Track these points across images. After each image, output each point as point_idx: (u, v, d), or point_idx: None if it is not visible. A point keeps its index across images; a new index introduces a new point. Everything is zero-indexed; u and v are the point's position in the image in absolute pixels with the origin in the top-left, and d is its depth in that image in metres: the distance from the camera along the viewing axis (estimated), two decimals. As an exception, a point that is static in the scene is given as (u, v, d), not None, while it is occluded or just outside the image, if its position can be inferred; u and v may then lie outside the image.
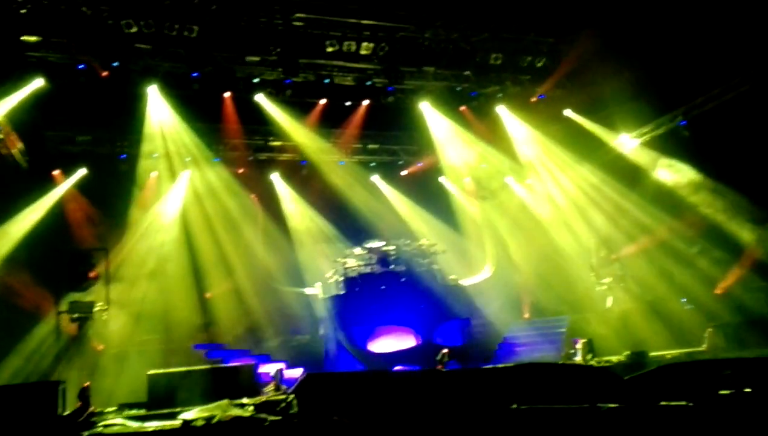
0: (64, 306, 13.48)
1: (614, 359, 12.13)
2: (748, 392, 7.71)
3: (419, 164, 20.04)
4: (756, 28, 12.89)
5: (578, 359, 12.64)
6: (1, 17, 12.91)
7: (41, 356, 12.72)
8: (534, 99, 18.50)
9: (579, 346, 12.78)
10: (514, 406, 7.60)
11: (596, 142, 17.61)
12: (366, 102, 17.90)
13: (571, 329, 14.84)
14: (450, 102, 18.38)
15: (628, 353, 12.22)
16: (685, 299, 15.17)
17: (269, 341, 14.81)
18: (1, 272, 13.02)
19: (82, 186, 15.97)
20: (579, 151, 17.92)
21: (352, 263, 15.17)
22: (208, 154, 17.64)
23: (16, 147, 14.02)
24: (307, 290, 15.19)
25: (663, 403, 7.30)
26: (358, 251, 15.31)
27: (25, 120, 14.12)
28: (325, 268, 16.36)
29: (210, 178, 17.39)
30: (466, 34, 16.54)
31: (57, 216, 15.03)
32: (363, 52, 15.93)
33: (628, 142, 17.33)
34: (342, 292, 14.82)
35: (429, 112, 18.31)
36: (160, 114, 16.14)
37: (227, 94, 16.69)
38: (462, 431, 7.05)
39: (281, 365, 11.54)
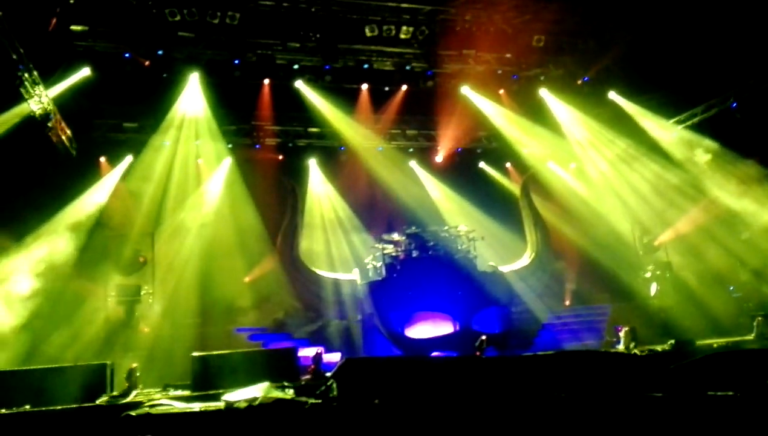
0: (111, 290, 13.87)
1: (659, 347, 11.83)
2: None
3: (458, 150, 19.83)
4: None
5: (621, 347, 12.40)
6: (50, 6, 13.25)
7: (90, 339, 13.12)
8: (579, 82, 18.11)
9: (622, 334, 12.53)
10: (556, 394, 7.53)
11: (642, 126, 17.12)
12: (405, 87, 17.81)
13: (614, 317, 14.56)
14: (490, 86, 18.16)
15: (672, 341, 11.92)
16: (732, 287, 14.73)
17: (308, 326, 14.97)
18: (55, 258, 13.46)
19: (127, 172, 16.32)
20: (624, 136, 17.46)
21: (390, 248, 15.17)
22: (247, 141, 17.84)
23: (66, 134, 14.42)
24: (346, 276, 15.26)
25: (710, 393, 7.15)
26: (396, 236, 15.30)
27: (74, 108, 14.52)
28: (363, 253, 16.41)
29: (250, 164, 17.57)
30: (507, 16, 16.26)
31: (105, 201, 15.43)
32: (402, 36, 15.87)
33: (677, 126, 16.83)
34: (380, 277, 14.86)
35: (470, 97, 18.10)
36: (196, 101, 16.29)
37: (266, 81, 16.83)
38: (501, 418, 7.01)
39: (320, 349, 11.66)
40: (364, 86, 17.65)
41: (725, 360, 9.00)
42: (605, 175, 17.82)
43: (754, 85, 14.98)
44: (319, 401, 8.18)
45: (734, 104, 15.56)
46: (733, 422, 6.64)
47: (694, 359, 8.97)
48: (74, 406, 8.38)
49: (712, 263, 15.04)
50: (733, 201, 14.81)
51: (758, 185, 14.24)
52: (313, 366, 10.92)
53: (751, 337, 12.38)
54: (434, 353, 13.35)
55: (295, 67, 16.71)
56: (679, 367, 8.63)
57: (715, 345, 11.78)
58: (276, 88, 17.14)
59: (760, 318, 12.62)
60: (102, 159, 16.20)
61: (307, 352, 12.17)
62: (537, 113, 18.31)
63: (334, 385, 8.55)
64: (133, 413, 7.71)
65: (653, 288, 15.57)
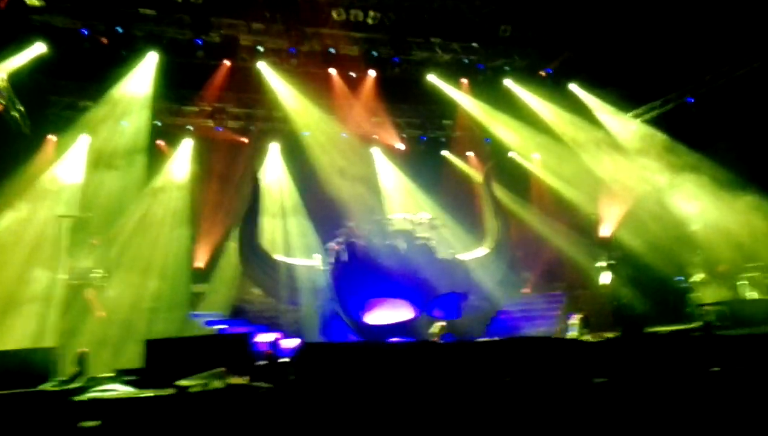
0: (63, 272, 13.56)
1: (609, 334, 12.15)
2: (740, 369, 7.79)
3: (422, 138, 19.90)
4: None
5: (573, 334, 12.68)
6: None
7: (39, 322, 12.80)
8: (542, 73, 18.29)
9: (574, 321, 12.80)
10: (508, 379, 7.67)
11: (601, 119, 17.45)
12: (371, 73, 17.73)
13: (568, 305, 14.88)
14: (456, 75, 18.23)
15: (622, 329, 12.24)
16: (682, 277, 15.19)
17: (265, 311, 14.93)
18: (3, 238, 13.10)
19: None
20: (586, 128, 17.74)
21: (352, 234, 15.18)
22: (209, 123, 17.57)
23: (18, 111, 13.98)
24: (307, 262, 15.22)
25: (656, 378, 7.37)
26: (358, 222, 15.31)
27: (28, 84, 14.08)
28: (322, 240, 16.36)
29: (212, 146, 17.34)
30: (474, 5, 16.31)
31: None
32: (369, 21, 15.75)
33: (635, 119, 17.20)
34: (340, 264, 14.85)
35: (435, 85, 18.13)
36: (153, 80, 15.88)
37: (230, 63, 16.54)
38: (456, 403, 7.12)
39: (277, 335, 11.64)
40: (331, 71, 17.50)
41: (671, 347, 9.32)
42: (566, 166, 18.10)
43: (710, 80, 15.37)
44: (275, 385, 8.18)
45: (691, 99, 15.95)
46: (678, 406, 6.88)
47: (641, 346, 9.24)
48: (18, 391, 8.17)
49: (661, 254, 15.45)
50: (681, 193, 15.23)
51: (708, 180, 14.67)
52: (270, 352, 10.91)
53: (697, 325, 12.78)
54: (393, 339, 13.46)
55: (260, 49, 16.47)
56: (627, 353, 8.88)
57: (662, 333, 12.13)
58: (240, 71, 16.85)
59: (706, 307, 13.04)
60: (53, 138, 15.69)
61: (264, 338, 12.13)
62: (502, 103, 18.45)
63: (291, 370, 8.56)
64: (82, 398, 7.59)
65: (605, 277, 15.96)
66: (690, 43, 14.32)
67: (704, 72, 15.36)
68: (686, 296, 14.52)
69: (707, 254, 14.61)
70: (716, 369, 7.89)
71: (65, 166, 15.30)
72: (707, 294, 13.94)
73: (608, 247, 16.08)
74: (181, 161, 17.01)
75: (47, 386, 8.96)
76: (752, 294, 13.38)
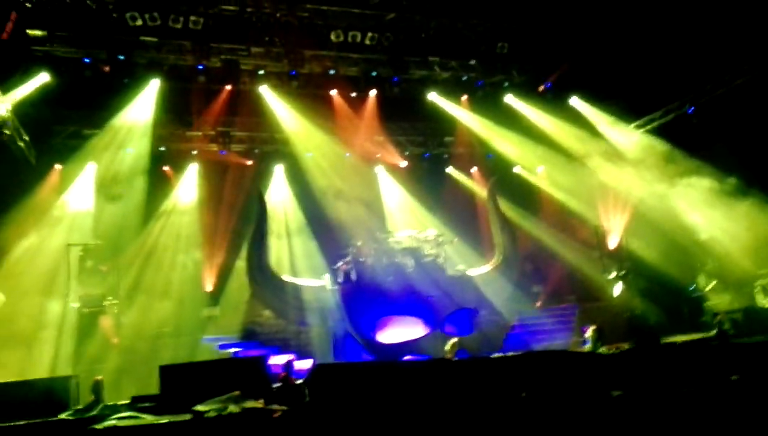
0: (75, 300, 13.52)
1: (624, 346, 12.07)
2: (760, 377, 7.74)
3: (425, 155, 19.98)
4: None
5: (588, 346, 12.60)
6: (6, 10, 12.91)
7: (54, 351, 12.73)
8: (541, 88, 18.44)
9: (588, 334, 12.72)
10: (524, 395, 7.61)
11: (603, 131, 17.54)
12: (372, 93, 17.85)
13: (582, 317, 14.82)
14: (456, 92, 18.37)
15: (637, 340, 12.16)
16: (693, 287, 15.16)
17: (278, 333, 14.84)
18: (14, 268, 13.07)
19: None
20: (587, 141, 17.82)
21: (360, 253, 15.16)
22: (213, 147, 17.65)
23: (23, 141, 14.04)
24: (316, 282, 15.17)
25: (673, 390, 7.31)
26: (366, 241, 15.29)
27: (32, 114, 14.16)
28: (331, 259, 16.34)
29: (217, 171, 17.40)
30: (471, 23, 16.49)
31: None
32: (368, 42, 15.91)
33: (636, 130, 17.29)
34: (350, 283, 14.82)
35: (436, 102, 18.25)
36: (155, 107, 15.98)
37: (232, 87, 16.66)
38: (472, 420, 7.06)
39: (291, 357, 11.54)
40: (331, 92, 17.64)
41: (688, 357, 9.26)
42: (570, 179, 18.15)
43: (710, 90, 15.49)
44: (291, 408, 8.10)
45: (691, 109, 16.05)
46: (696, 417, 6.81)
47: (657, 357, 9.19)
48: (37, 421, 8.11)
49: (672, 263, 15.44)
50: (686, 201, 15.26)
51: (711, 186, 14.71)
52: (284, 374, 10.81)
53: (712, 334, 12.72)
54: (406, 357, 13.37)
55: (261, 72, 16.61)
56: (643, 365, 8.82)
57: (678, 343, 12.06)
58: (242, 94, 16.99)
59: (720, 316, 12.99)
60: (58, 167, 15.75)
61: (278, 360, 12.04)
62: (502, 119, 18.55)
63: (306, 391, 8.49)
64: (98, 427, 7.50)
65: (617, 288, 15.92)
66: (690, 52, 14.46)
67: (705, 81, 15.47)
68: (700, 304, 14.48)
69: (718, 262, 14.60)
70: (735, 378, 7.85)
71: (74, 194, 15.34)
72: (720, 302, 13.90)
73: (618, 258, 16.05)
74: (188, 186, 17.06)
75: (65, 415, 8.89)
76: (765, 302, 13.35)
